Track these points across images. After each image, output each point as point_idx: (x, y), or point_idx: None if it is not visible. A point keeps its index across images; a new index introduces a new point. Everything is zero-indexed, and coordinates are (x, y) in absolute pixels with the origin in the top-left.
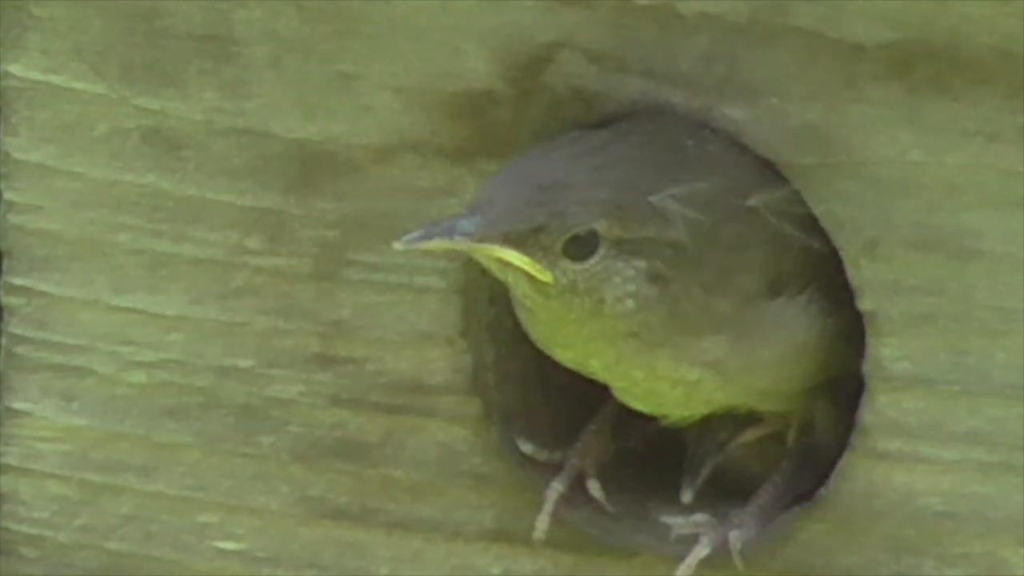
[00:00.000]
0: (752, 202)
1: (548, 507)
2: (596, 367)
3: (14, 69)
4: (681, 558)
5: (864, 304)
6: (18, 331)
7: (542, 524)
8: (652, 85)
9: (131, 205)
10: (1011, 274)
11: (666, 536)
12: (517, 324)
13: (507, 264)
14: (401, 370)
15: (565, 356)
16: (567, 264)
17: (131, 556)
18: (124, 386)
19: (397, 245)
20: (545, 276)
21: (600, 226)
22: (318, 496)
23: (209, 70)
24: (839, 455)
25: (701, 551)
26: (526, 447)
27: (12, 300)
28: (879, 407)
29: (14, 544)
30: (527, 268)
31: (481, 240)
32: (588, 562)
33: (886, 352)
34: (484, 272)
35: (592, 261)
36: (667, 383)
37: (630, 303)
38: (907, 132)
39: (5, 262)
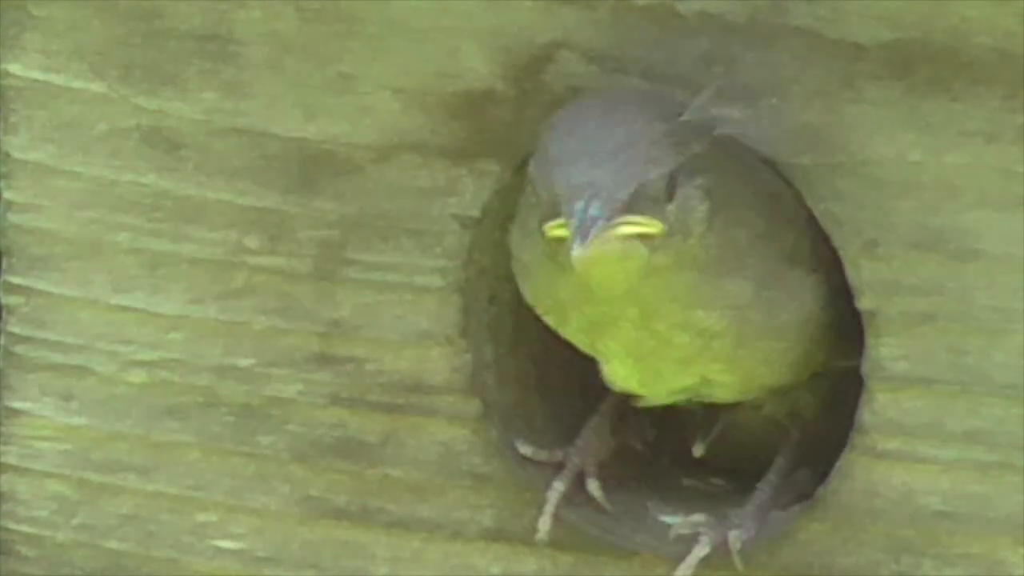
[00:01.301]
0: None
1: (549, 508)
2: (629, 323)
3: (14, 68)
4: (680, 558)
5: (863, 304)
6: (17, 330)
7: (544, 525)
8: (651, 85)
9: (130, 204)
10: (1010, 274)
11: (665, 536)
12: (517, 323)
13: (626, 237)
14: (401, 370)
15: (596, 314)
16: (668, 207)
17: (130, 555)
18: (123, 385)
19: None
20: (656, 227)
21: (674, 159)
22: (318, 496)
23: (209, 70)
24: (835, 453)
25: (700, 551)
26: (525, 449)
27: (11, 299)
28: (878, 406)
29: (13, 543)
30: (646, 229)
31: (611, 219)
32: (588, 562)
33: (885, 352)
34: (483, 271)
35: (679, 193)
36: (689, 335)
37: (704, 224)
38: (906, 132)
39: (4, 261)
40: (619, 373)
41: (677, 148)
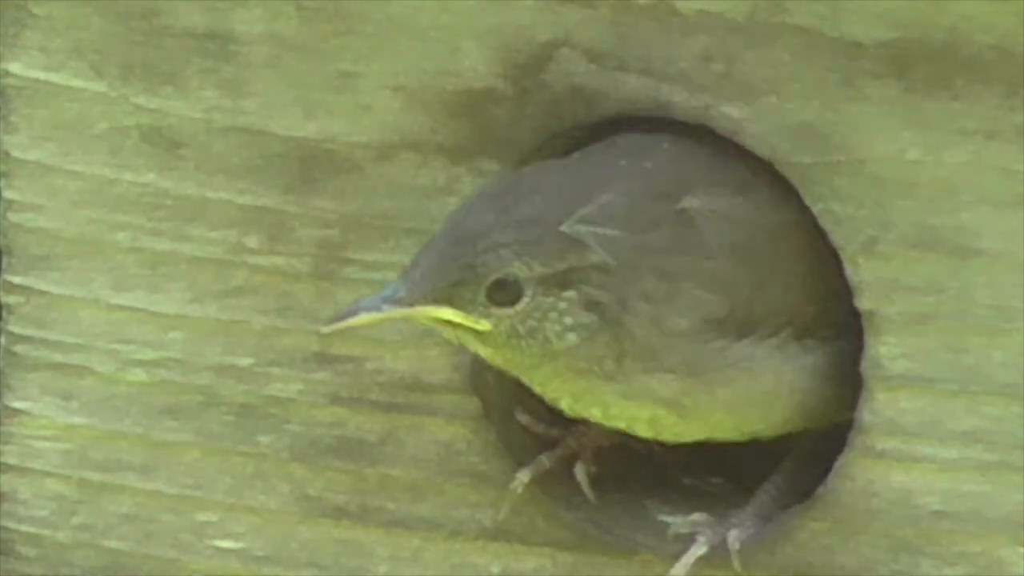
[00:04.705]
0: (684, 204)
1: (531, 469)
2: (564, 406)
3: (14, 68)
4: (680, 557)
5: (863, 303)
6: (17, 329)
7: (523, 477)
8: (651, 83)
9: (130, 204)
10: (1009, 273)
11: (665, 535)
12: None
13: (447, 323)
14: (400, 369)
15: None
16: (498, 311)
17: (130, 555)
18: (123, 385)
19: (324, 329)
20: (483, 326)
21: (518, 268)
22: (317, 495)
23: (209, 69)
24: (835, 453)
25: (697, 550)
26: (523, 418)
27: (11, 298)
28: (877, 406)
29: (13, 543)
30: (464, 322)
31: (411, 304)
32: (587, 561)
33: (884, 351)
34: None
35: (523, 303)
36: (623, 421)
37: (572, 337)
38: (906, 130)
39: (4, 260)
40: None
41: (522, 259)
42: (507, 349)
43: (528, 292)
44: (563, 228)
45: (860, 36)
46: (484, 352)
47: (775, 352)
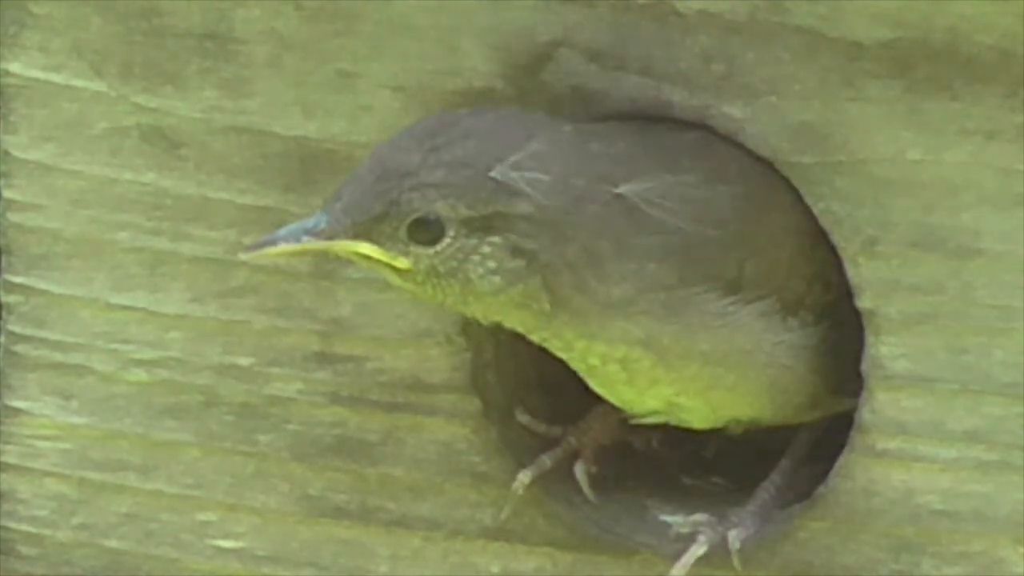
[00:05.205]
0: (622, 190)
1: (532, 469)
2: (524, 332)
3: (13, 67)
4: (679, 557)
5: (863, 303)
6: (17, 329)
7: (524, 478)
8: (651, 83)
9: (130, 203)
10: (1010, 273)
11: (666, 535)
12: None
13: (367, 258)
14: (401, 368)
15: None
16: (418, 249)
17: (130, 554)
18: (123, 384)
19: (242, 255)
20: (401, 263)
21: (442, 208)
22: (318, 494)
23: (209, 68)
24: (836, 452)
25: (698, 550)
26: (523, 418)
27: (11, 298)
28: (878, 405)
29: (13, 542)
30: (382, 258)
31: (330, 237)
32: (587, 561)
33: (885, 351)
34: None
35: (444, 243)
36: (595, 358)
37: (496, 280)
38: (906, 131)
39: (4, 260)
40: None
41: (448, 200)
42: (427, 287)
43: (450, 233)
44: (494, 174)
45: (860, 36)
46: (406, 290)
47: (759, 318)
